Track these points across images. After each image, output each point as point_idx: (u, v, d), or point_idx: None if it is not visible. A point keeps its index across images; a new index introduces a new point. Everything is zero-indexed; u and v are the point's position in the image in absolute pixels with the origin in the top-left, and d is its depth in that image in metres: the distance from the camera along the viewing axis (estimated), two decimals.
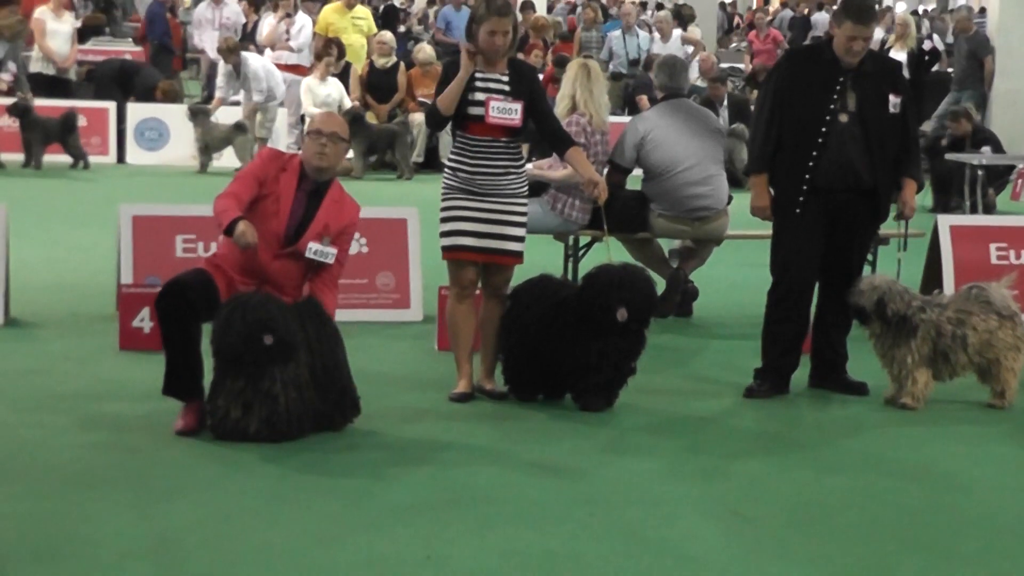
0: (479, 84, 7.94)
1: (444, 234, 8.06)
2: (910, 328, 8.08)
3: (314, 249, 7.32)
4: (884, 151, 8.23)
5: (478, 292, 8.23)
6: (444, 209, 8.06)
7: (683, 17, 25.64)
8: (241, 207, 7.15)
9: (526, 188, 8.17)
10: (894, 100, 8.24)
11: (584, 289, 7.87)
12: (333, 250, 7.36)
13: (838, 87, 8.19)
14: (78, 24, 21.31)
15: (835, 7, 8.69)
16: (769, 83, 8.46)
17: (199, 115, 18.26)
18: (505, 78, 7.98)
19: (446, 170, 8.08)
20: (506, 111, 7.91)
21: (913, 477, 6.97)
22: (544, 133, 8.25)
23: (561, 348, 7.84)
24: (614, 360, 7.86)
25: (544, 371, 7.99)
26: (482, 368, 8.20)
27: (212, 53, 21.37)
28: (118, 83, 20.26)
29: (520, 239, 8.10)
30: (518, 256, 8.12)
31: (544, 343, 7.88)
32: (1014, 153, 18.03)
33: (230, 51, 18.36)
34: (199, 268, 7.38)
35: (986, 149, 16.69)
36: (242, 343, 6.94)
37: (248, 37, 22.90)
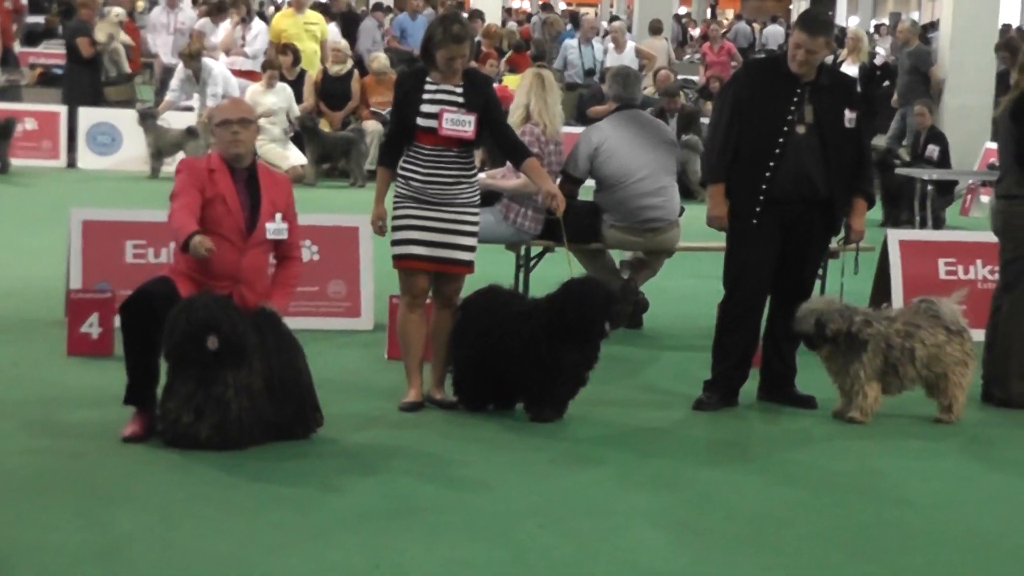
0: (432, 96, 7.94)
1: (395, 243, 8.05)
2: (859, 343, 8.11)
3: (272, 229, 7.44)
4: (840, 163, 8.28)
5: (429, 302, 8.22)
6: (396, 218, 8.05)
7: (653, 28, 25.70)
8: (196, 219, 7.18)
9: (478, 198, 8.18)
10: (849, 115, 8.29)
11: (568, 300, 7.88)
12: (286, 224, 7.50)
13: (795, 99, 8.23)
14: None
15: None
16: (727, 93, 8.48)
17: (147, 119, 18.10)
18: (459, 89, 7.97)
19: (398, 179, 8.07)
20: (459, 123, 7.91)
21: (861, 490, 7.01)
22: (500, 144, 8.26)
23: (521, 359, 7.84)
24: (575, 372, 7.90)
25: (495, 381, 7.99)
26: (432, 377, 8.19)
27: (166, 58, 21.29)
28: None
29: (471, 248, 8.10)
30: (469, 266, 8.12)
31: (496, 354, 7.88)
32: (964, 168, 18.15)
33: (192, 56, 18.24)
34: (163, 277, 7.39)
35: (933, 148, 16.80)
36: (187, 343, 6.94)
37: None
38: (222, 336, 6.95)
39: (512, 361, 7.87)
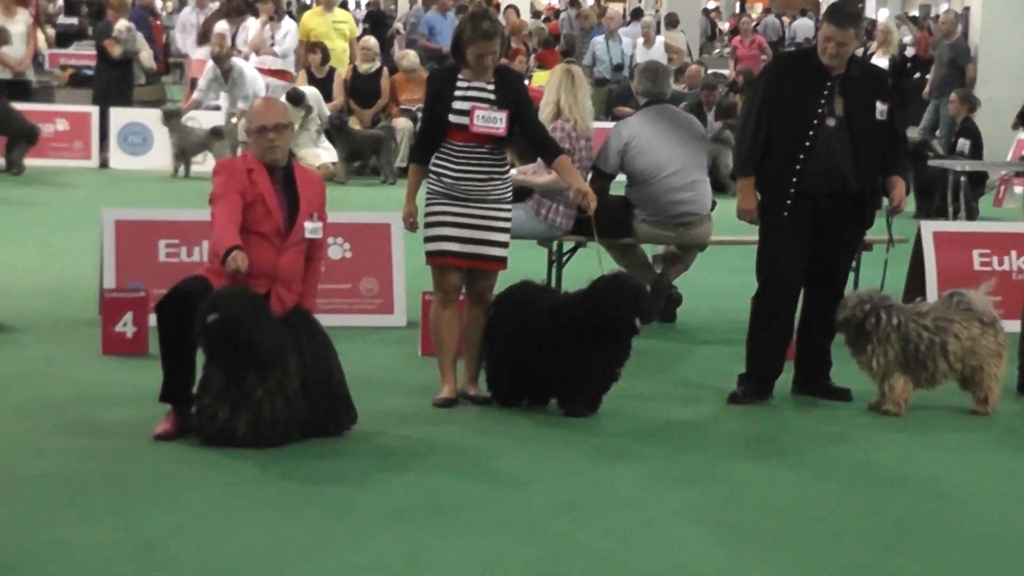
0: (464, 93, 7.94)
1: (428, 239, 8.05)
2: (880, 334, 8.08)
3: (310, 228, 7.48)
4: (871, 156, 8.24)
5: (461, 298, 8.22)
6: (428, 215, 8.05)
7: (669, 22, 25.70)
8: (238, 227, 7.22)
9: (510, 194, 8.17)
10: (881, 107, 8.25)
11: (597, 299, 7.87)
12: (321, 223, 7.53)
13: (825, 92, 8.19)
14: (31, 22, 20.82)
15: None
16: (758, 87, 8.46)
17: (172, 118, 18.07)
18: (491, 87, 7.96)
19: (430, 175, 8.07)
20: (491, 120, 7.90)
21: (896, 484, 6.98)
22: (531, 141, 8.24)
23: (552, 355, 7.84)
24: (609, 368, 7.91)
25: (528, 377, 7.99)
26: (466, 374, 8.19)
27: (195, 57, 21.32)
28: None
29: (504, 245, 8.10)
30: (502, 262, 8.12)
31: (529, 349, 7.88)
32: (995, 160, 18.06)
33: (223, 56, 18.25)
34: (199, 276, 7.41)
35: (964, 143, 16.73)
36: (197, 325, 7.01)
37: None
38: (221, 314, 6.96)
39: (544, 357, 7.87)
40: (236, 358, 7.01)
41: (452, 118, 7.91)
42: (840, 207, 8.25)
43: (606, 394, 8.01)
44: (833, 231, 8.28)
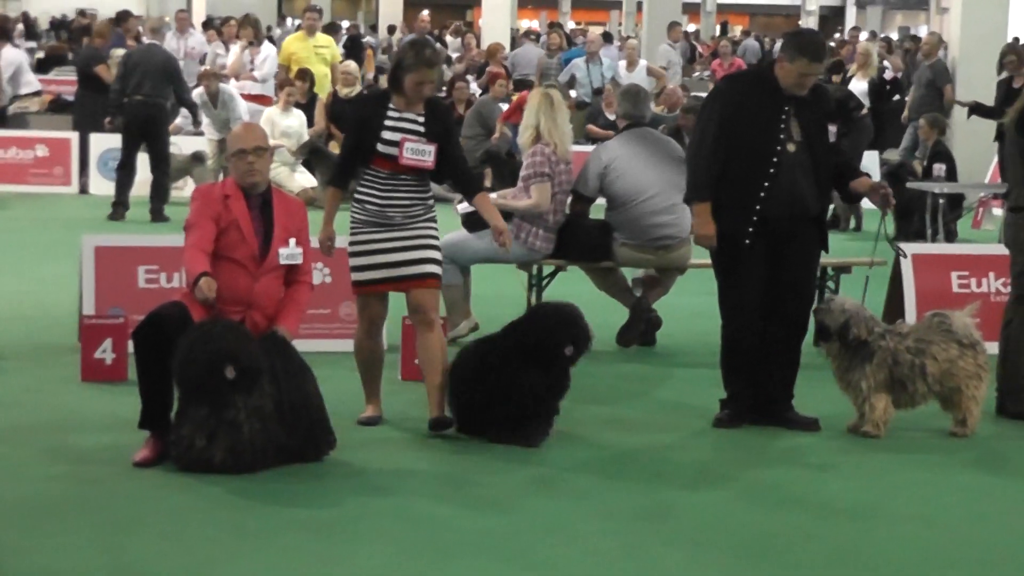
0: (395, 123, 7.86)
1: (356, 268, 7.97)
2: (867, 353, 8.11)
3: (285, 254, 7.46)
4: (828, 179, 8.28)
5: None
6: (354, 243, 7.95)
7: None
8: (207, 256, 7.22)
9: (435, 212, 8.08)
10: (831, 129, 8.27)
11: (528, 325, 7.85)
12: (299, 249, 7.52)
13: (783, 116, 8.17)
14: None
15: (784, 40, 8.58)
16: (712, 108, 8.30)
17: None
18: (421, 118, 7.88)
19: (354, 204, 7.98)
20: (420, 152, 7.82)
21: (875, 506, 6.99)
22: (452, 175, 8.19)
23: (491, 382, 7.76)
24: (541, 396, 7.76)
25: (479, 405, 7.87)
26: (430, 402, 7.95)
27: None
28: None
29: (437, 261, 8.00)
30: (437, 278, 8.01)
31: (477, 377, 7.81)
32: (973, 182, 18.12)
33: (211, 79, 18.21)
34: (176, 301, 7.40)
35: (940, 167, 16.78)
36: (204, 374, 6.94)
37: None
38: (240, 366, 6.96)
39: (485, 385, 7.80)
40: (230, 392, 7.01)
41: (381, 148, 7.83)
42: (799, 230, 8.19)
43: (546, 428, 7.85)
44: (795, 255, 8.20)
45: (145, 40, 17.98)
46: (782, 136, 8.12)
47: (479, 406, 7.84)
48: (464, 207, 9.94)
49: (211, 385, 6.95)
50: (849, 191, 8.57)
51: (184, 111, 18.51)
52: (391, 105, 7.92)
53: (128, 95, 16.58)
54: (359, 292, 8.05)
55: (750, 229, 8.12)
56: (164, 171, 16.89)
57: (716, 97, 8.43)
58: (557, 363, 7.76)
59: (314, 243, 7.93)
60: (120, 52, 19.63)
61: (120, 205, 16.56)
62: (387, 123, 7.87)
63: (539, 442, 7.78)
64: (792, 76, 8.11)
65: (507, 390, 7.73)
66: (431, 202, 8.08)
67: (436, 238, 8.03)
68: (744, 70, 19.25)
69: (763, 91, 8.20)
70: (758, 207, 8.10)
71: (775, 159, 8.09)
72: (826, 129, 8.25)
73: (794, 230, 8.18)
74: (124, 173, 16.79)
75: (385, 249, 7.91)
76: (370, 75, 26.86)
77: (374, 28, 43.81)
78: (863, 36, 33.78)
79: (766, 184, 8.09)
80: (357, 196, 7.99)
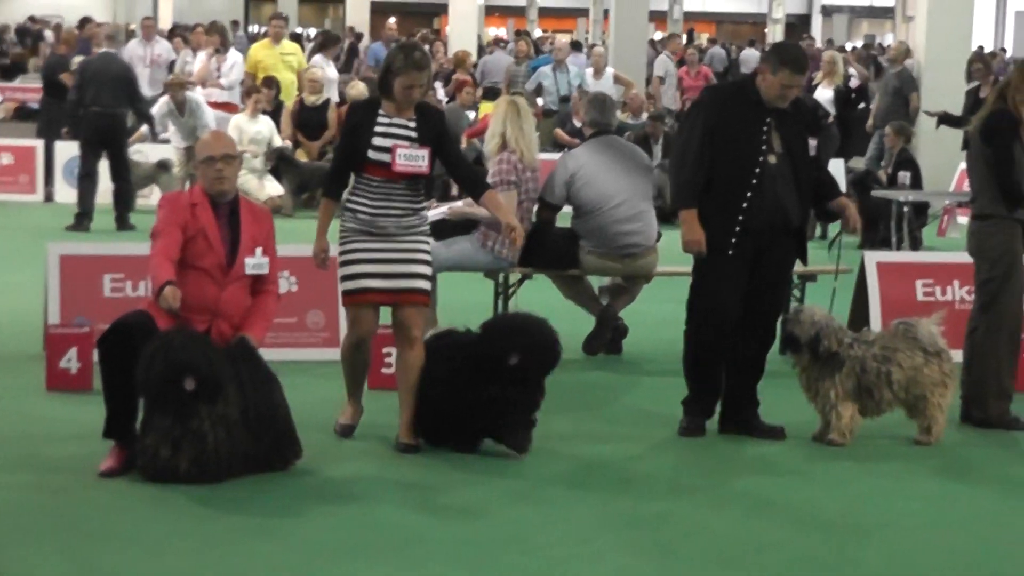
0: (385, 129, 7.80)
1: (346, 278, 7.88)
2: (836, 363, 8.13)
3: (252, 264, 7.44)
4: (809, 191, 8.30)
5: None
6: (345, 252, 7.88)
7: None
8: (173, 264, 7.18)
9: (428, 227, 8.05)
10: (811, 142, 8.31)
11: (481, 334, 7.83)
12: (266, 259, 7.50)
13: (765, 128, 8.21)
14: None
15: (766, 52, 8.62)
16: (696, 118, 8.34)
17: None
18: (412, 123, 7.83)
19: (345, 212, 7.92)
20: (413, 158, 7.75)
21: (841, 513, 7.01)
22: (457, 177, 8.16)
23: (449, 391, 7.74)
24: (496, 405, 7.68)
25: (442, 415, 7.84)
26: (401, 423, 7.89)
27: (143, 90, 21.22)
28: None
29: (428, 277, 7.94)
30: (426, 294, 7.96)
31: (440, 388, 7.78)
32: (938, 189, 18.21)
33: (178, 88, 18.14)
34: (141, 310, 7.37)
35: (904, 175, 16.85)
36: (163, 384, 6.92)
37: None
38: (200, 377, 6.94)
39: (444, 394, 7.76)
40: (191, 402, 6.99)
41: (372, 155, 7.76)
42: (779, 241, 8.25)
43: (525, 439, 7.79)
44: (772, 265, 8.26)
45: (102, 48, 17.83)
46: (764, 148, 8.15)
47: (442, 417, 7.81)
48: (433, 214, 9.93)
49: (172, 396, 6.94)
50: (826, 210, 8.59)
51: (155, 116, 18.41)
52: (381, 111, 7.84)
53: (86, 106, 16.49)
54: (349, 303, 7.95)
55: (732, 240, 8.15)
56: (126, 178, 16.80)
57: (700, 108, 8.47)
58: (505, 374, 7.65)
59: (289, 252, 7.84)
60: (79, 59, 19.58)
61: (84, 216, 16.46)
62: (377, 129, 7.79)
63: (527, 448, 7.75)
64: (775, 88, 8.14)
65: (469, 402, 7.70)
66: (424, 213, 8.01)
67: (428, 252, 7.95)
68: (726, 82, 19.33)
69: (744, 103, 8.24)
70: (740, 218, 8.13)
71: (757, 170, 8.13)
72: (806, 141, 8.26)
73: (774, 240, 8.22)
74: (86, 183, 16.68)
75: (376, 259, 7.81)
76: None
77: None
78: (818, 44, 33.91)
79: (748, 195, 8.12)
80: (348, 205, 7.90)
